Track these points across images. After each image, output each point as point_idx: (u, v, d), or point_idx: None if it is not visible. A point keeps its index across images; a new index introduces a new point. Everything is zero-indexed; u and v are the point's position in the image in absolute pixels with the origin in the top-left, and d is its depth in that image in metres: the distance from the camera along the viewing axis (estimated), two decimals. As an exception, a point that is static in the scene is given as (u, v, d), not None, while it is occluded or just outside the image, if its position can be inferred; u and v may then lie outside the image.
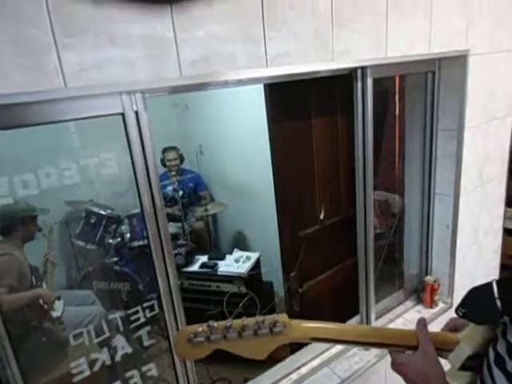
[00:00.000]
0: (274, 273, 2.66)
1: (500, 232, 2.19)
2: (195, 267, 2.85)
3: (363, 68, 1.41)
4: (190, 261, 2.89)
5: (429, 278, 1.97)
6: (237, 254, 2.97)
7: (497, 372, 0.65)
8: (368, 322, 1.81)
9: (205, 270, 2.80)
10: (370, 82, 1.46)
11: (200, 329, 0.65)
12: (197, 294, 2.80)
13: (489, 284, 0.75)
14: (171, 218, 3.53)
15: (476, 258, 2.07)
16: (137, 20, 0.89)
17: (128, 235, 3.06)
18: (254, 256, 2.88)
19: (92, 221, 3.03)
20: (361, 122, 1.54)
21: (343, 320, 1.91)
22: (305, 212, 1.97)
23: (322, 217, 2.03)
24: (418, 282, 2.06)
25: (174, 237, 3.28)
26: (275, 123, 1.76)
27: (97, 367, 1.21)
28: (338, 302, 2.04)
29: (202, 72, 1.00)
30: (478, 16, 1.60)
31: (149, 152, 1.05)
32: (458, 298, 1.96)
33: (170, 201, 3.63)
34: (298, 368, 1.64)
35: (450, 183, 1.81)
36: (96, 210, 3.05)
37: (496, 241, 2.18)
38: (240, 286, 2.69)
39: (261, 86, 1.63)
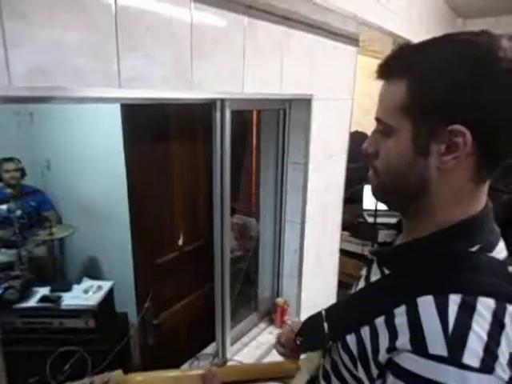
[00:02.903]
0: (129, 303, 2.47)
1: (337, 253, 2.50)
2: (32, 302, 2.44)
3: (222, 100, 1.45)
4: (25, 295, 2.47)
5: (279, 300, 2.10)
6: (86, 283, 2.67)
7: None
8: (223, 348, 1.81)
9: (45, 304, 2.42)
10: (228, 113, 1.52)
11: None
12: (34, 334, 2.39)
13: (319, 312, 0.83)
14: (4, 244, 2.99)
15: (319, 279, 2.31)
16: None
17: None
18: (106, 285, 2.63)
19: None
20: (219, 151, 1.57)
21: (200, 348, 1.88)
22: (162, 238, 1.90)
23: (180, 243, 1.99)
24: (271, 303, 2.18)
25: (7, 266, 2.77)
26: (131, 144, 1.67)
27: None
28: (195, 331, 2.01)
29: (40, 84, 0.88)
30: (320, 66, 1.85)
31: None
32: (304, 316, 2.14)
33: (3, 222, 3.08)
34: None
35: (298, 211, 2.00)
36: None
37: (335, 262, 2.48)
38: (88, 320, 2.41)
39: (117, 104, 1.53)
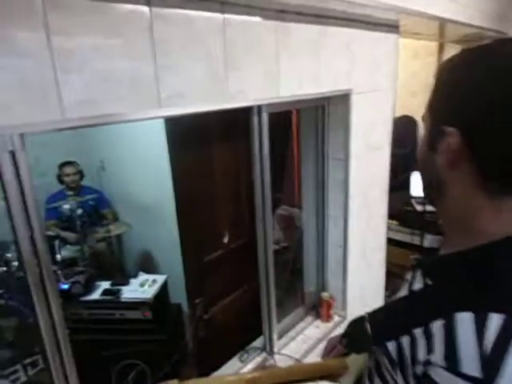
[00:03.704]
0: (182, 294, 2.62)
1: (384, 246, 2.45)
2: (96, 295, 2.67)
3: (259, 105, 1.47)
4: (89, 289, 2.70)
5: (325, 294, 2.12)
6: (142, 277, 2.86)
7: None
8: (271, 342, 1.87)
9: (107, 297, 2.64)
10: (265, 116, 1.54)
11: None
12: (99, 324, 2.62)
13: (362, 316, 0.84)
14: (68, 241, 3.27)
15: (365, 273, 2.29)
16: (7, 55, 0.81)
17: (16, 263, 2.74)
18: (160, 279, 2.80)
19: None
20: (258, 152, 1.60)
21: (249, 342, 1.95)
22: (209, 236, 1.98)
23: (226, 241, 2.06)
24: (316, 297, 2.20)
25: (71, 262, 3.03)
26: (175, 149, 1.75)
27: None
28: (243, 325, 2.09)
29: (88, 114, 0.95)
30: (358, 60, 1.79)
31: (28, 192, 0.96)
32: (350, 310, 2.15)
33: (66, 221, 3.36)
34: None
35: (340, 207, 1.99)
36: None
37: (381, 254, 2.44)
38: (145, 311, 2.59)
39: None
